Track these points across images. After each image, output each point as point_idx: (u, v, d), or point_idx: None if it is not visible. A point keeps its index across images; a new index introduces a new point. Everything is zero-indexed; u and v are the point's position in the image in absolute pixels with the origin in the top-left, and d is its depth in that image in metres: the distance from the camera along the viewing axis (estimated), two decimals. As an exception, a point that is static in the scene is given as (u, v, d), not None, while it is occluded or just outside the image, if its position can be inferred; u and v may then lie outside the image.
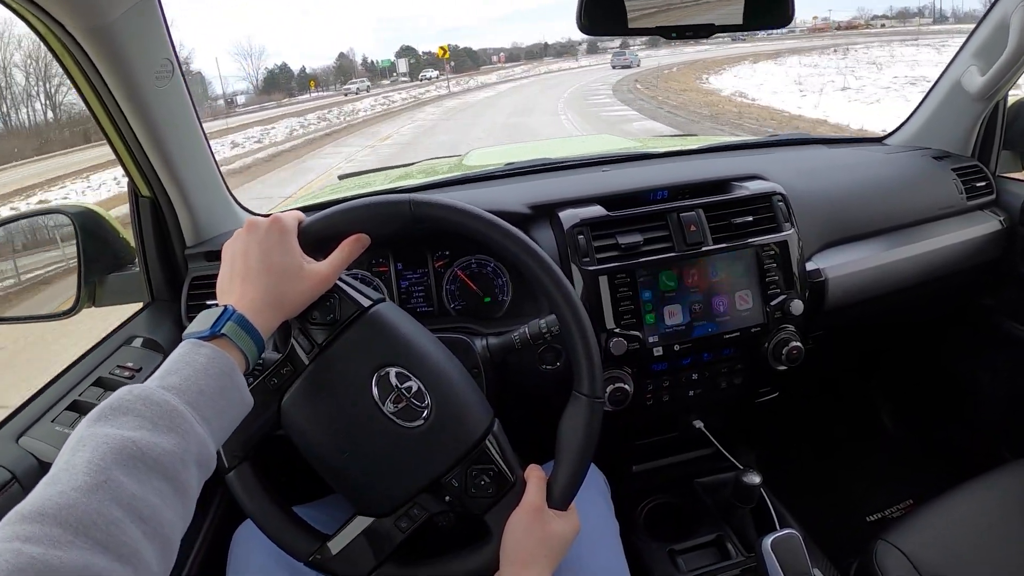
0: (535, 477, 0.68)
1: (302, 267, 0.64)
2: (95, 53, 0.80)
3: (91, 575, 0.37)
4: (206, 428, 0.50)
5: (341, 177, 1.91)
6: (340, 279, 0.69)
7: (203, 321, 0.58)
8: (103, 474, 0.42)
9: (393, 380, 0.66)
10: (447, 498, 0.67)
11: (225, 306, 0.59)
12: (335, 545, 0.67)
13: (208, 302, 0.99)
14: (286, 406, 0.66)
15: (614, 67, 37.22)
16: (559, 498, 0.67)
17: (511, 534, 0.65)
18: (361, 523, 0.67)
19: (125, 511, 0.41)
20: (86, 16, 0.75)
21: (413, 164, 1.93)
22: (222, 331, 0.57)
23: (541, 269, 0.68)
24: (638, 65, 36.15)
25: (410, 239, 1.01)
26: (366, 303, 0.68)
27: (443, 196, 0.69)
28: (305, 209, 1.19)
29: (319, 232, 0.67)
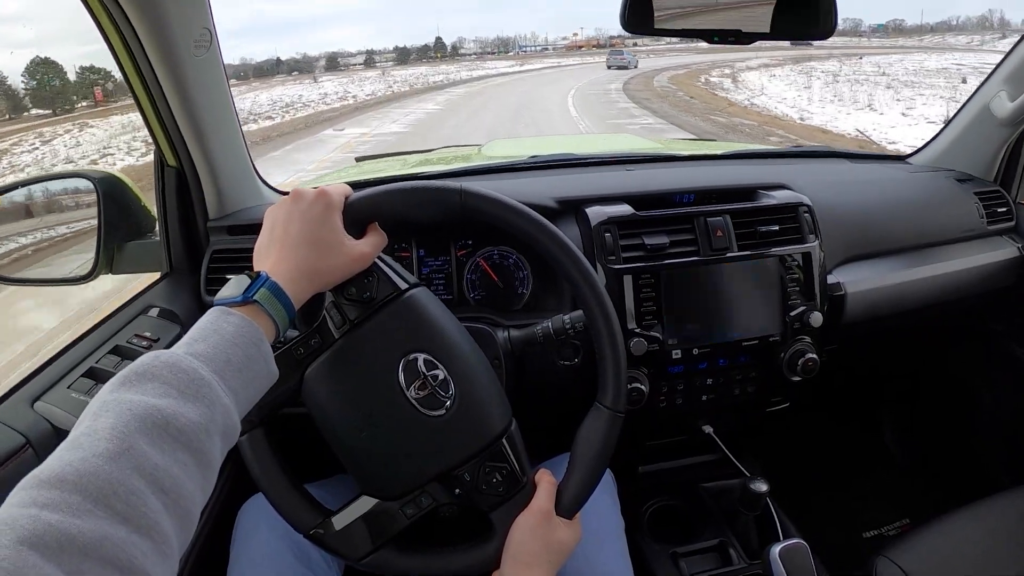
0: (546, 482, 0.69)
1: (342, 243, 0.63)
2: (136, 18, 0.79)
3: (109, 546, 0.36)
4: (232, 398, 0.49)
5: (359, 159, 1.91)
6: (379, 259, 0.68)
7: (236, 286, 0.57)
8: (126, 442, 0.40)
9: (421, 366, 0.65)
10: (457, 491, 0.66)
11: (259, 272, 0.58)
12: (338, 522, 0.67)
13: (228, 276, 0.99)
14: (309, 378, 0.66)
15: (609, 67, 34.45)
16: (568, 506, 0.67)
17: (517, 535, 0.65)
18: (366, 503, 0.67)
19: (147, 482, 0.40)
20: None
21: (432, 150, 1.93)
22: (254, 297, 0.56)
23: (584, 281, 0.68)
24: (635, 67, 33.54)
25: (435, 226, 1.01)
26: (404, 286, 0.68)
27: (490, 188, 0.69)
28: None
29: (364, 209, 0.67)
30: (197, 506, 0.44)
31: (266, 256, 0.62)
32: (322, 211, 0.63)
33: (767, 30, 0.88)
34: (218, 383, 0.49)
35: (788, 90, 18.90)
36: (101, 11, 0.80)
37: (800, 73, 26.40)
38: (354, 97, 25.33)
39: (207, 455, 0.46)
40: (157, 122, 0.93)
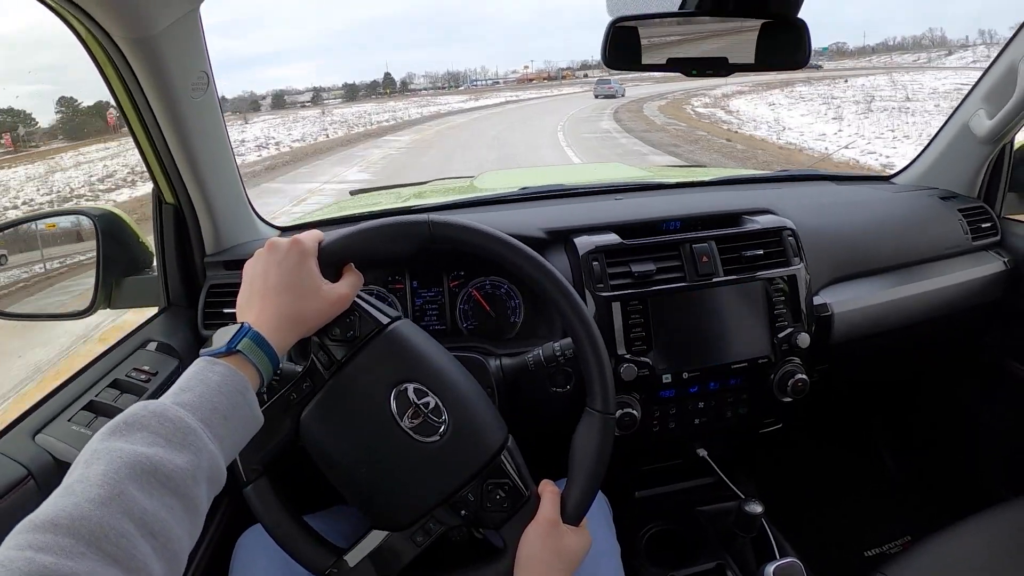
0: (549, 492, 0.70)
1: (319, 288, 0.66)
2: (136, 63, 0.82)
3: None
4: (218, 445, 0.51)
5: (353, 193, 1.94)
6: (359, 297, 0.70)
7: (219, 338, 0.60)
8: (116, 487, 0.43)
9: (411, 396, 0.67)
10: (463, 512, 0.67)
11: (242, 323, 0.60)
12: (351, 558, 0.67)
13: (225, 310, 1.01)
14: (305, 420, 0.67)
15: (597, 96, 32.45)
16: (573, 512, 0.68)
17: (527, 547, 0.66)
18: (376, 537, 0.68)
19: (136, 526, 0.42)
20: (133, 27, 0.77)
21: (425, 183, 1.96)
22: (237, 347, 0.58)
23: (557, 290, 0.70)
24: (623, 95, 31.78)
25: (426, 258, 1.03)
26: (385, 320, 0.70)
27: (461, 217, 0.71)
28: (323, 224, 1.21)
29: (338, 252, 0.69)
30: (185, 550, 0.46)
31: (248, 308, 0.64)
32: (297, 259, 0.65)
33: (752, 60, 0.91)
34: (204, 431, 0.51)
35: (815, 122, 15.51)
36: (101, 54, 0.83)
37: (799, 99, 22.54)
38: (276, 144, 19.56)
39: (194, 500, 0.48)
40: (155, 160, 0.96)
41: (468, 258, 0.99)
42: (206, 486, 0.49)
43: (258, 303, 0.63)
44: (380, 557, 0.67)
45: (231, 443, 0.54)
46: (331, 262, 0.68)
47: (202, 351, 0.59)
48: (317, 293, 0.65)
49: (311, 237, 0.68)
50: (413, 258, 1.02)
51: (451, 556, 0.71)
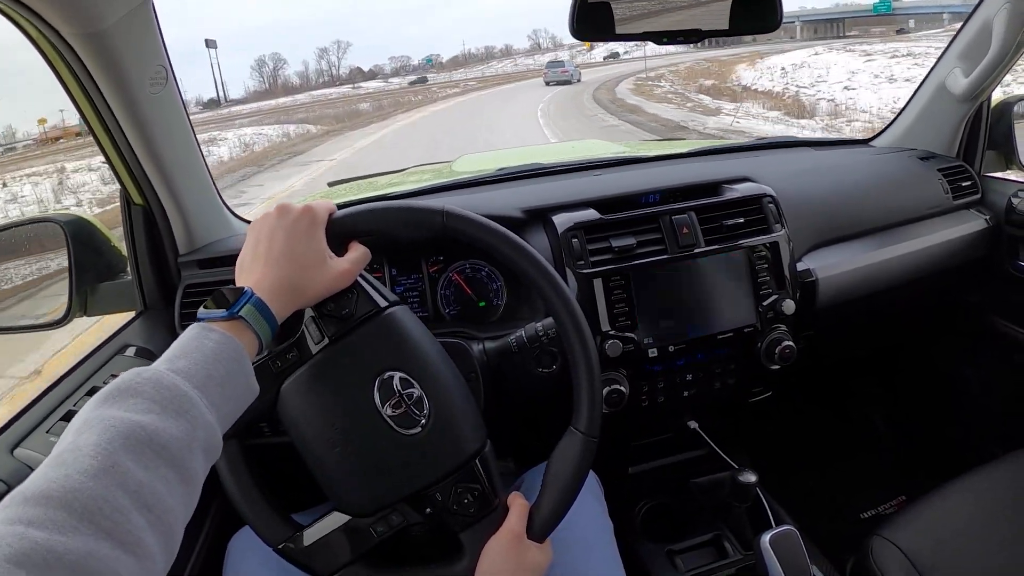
0: (518, 504, 0.69)
1: (324, 260, 0.64)
2: (89, 59, 0.79)
3: (94, 563, 0.36)
4: (214, 414, 0.50)
5: (331, 184, 1.90)
6: (361, 276, 0.69)
7: (219, 302, 0.58)
8: (110, 459, 0.41)
9: (396, 384, 0.66)
10: (428, 510, 0.66)
11: (243, 288, 0.59)
12: (308, 536, 0.67)
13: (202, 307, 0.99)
14: (285, 392, 0.66)
15: (548, 83, 29.17)
16: (539, 530, 0.67)
17: (488, 557, 0.65)
18: (337, 519, 0.67)
19: (131, 498, 0.40)
20: (81, 22, 0.74)
21: (402, 170, 1.93)
22: (240, 313, 0.56)
23: (562, 304, 0.69)
24: (578, 80, 28.74)
25: (410, 243, 1.02)
26: (383, 303, 0.68)
27: (458, 202, 0.70)
28: None
29: (348, 226, 0.67)
30: (180, 522, 0.45)
31: (250, 271, 0.62)
32: (307, 227, 0.63)
33: (726, 27, 0.90)
34: (200, 399, 0.49)
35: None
36: (53, 53, 0.80)
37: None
38: None
39: (190, 471, 0.46)
40: (120, 161, 0.93)
41: (447, 243, 0.97)
42: (202, 456, 0.48)
43: (260, 267, 0.62)
44: (337, 540, 0.66)
45: (227, 412, 0.53)
46: (338, 235, 0.67)
47: (199, 313, 0.57)
48: (322, 265, 0.63)
49: (323, 207, 0.67)
50: (417, 245, 1.00)
51: (409, 550, 0.70)
